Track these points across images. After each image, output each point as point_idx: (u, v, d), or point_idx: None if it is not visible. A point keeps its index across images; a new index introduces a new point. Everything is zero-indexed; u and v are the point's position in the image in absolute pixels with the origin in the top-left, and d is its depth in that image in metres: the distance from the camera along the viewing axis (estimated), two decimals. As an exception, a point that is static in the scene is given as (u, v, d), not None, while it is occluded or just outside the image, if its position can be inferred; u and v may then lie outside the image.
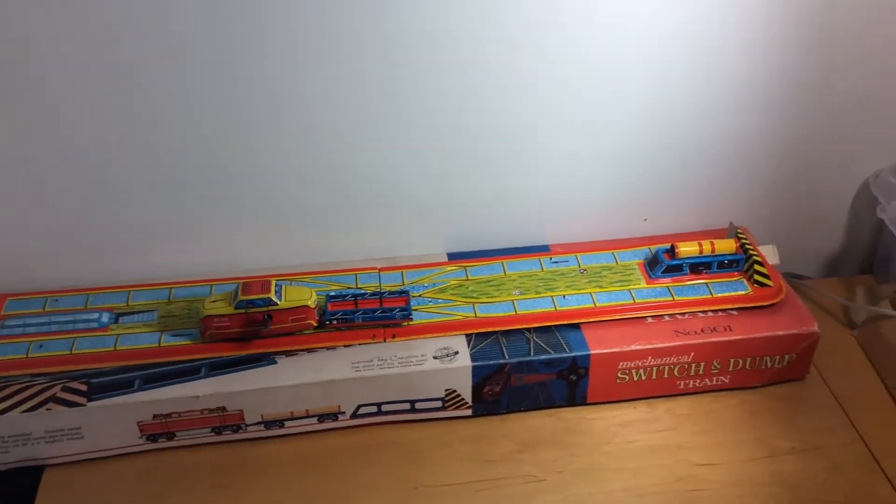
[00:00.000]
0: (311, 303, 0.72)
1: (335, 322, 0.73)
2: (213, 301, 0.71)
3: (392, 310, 0.74)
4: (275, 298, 0.70)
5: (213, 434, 0.71)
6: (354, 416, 0.72)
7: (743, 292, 0.77)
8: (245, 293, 0.70)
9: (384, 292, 0.76)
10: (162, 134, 0.74)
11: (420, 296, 0.77)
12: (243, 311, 0.71)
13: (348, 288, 0.77)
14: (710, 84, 0.79)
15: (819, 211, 0.90)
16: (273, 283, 0.72)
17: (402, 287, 0.78)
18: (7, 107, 0.70)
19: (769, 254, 0.81)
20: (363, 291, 0.76)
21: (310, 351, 0.72)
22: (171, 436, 0.70)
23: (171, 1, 0.66)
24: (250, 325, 0.71)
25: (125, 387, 0.68)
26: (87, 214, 0.77)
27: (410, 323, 0.74)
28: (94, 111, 0.71)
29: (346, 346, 0.72)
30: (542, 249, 0.84)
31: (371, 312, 0.73)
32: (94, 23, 0.67)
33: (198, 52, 0.69)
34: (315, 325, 0.73)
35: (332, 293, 0.75)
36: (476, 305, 0.76)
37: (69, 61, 0.68)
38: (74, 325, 0.73)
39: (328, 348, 0.72)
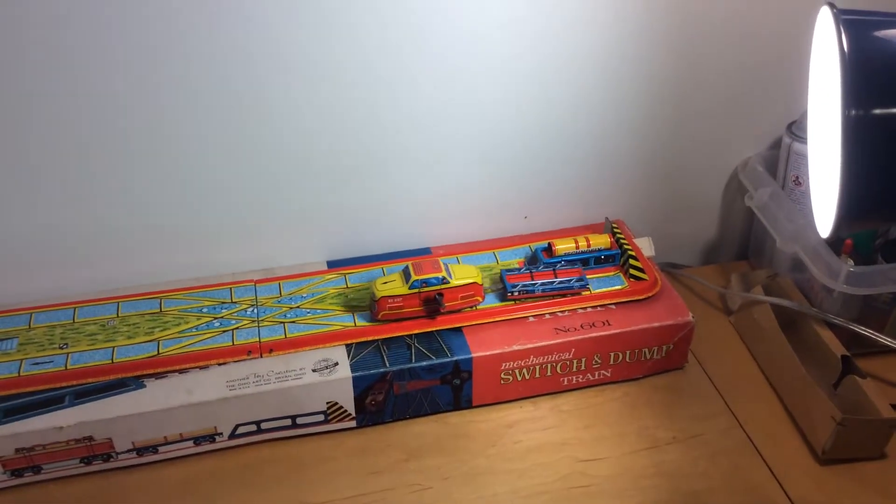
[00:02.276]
0: (480, 279, 0.73)
1: (517, 293, 0.75)
2: (385, 283, 0.73)
3: (570, 280, 0.75)
4: (448, 276, 0.72)
5: (82, 465, 0.67)
6: (233, 436, 0.70)
7: (619, 287, 0.78)
8: (418, 273, 0.72)
9: (554, 264, 0.78)
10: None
11: (298, 307, 0.75)
12: (417, 290, 0.71)
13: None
14: (581, 83, 0.80)
15: (693, 200, 0.92)
16: (441, 261, 0.74)
17: (278, 298, 0.76)
18: None
19: (645, 246, 0.82)
20: (537, 264, 0.79)
21: (181, 372, 0.69)
22: (37, 469, 0.66)
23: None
24: (424, 304, 0.72)
25: (-18, 421, 0.64)
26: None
27: (589, 291, 0.76)
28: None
29: (219, 363, 0.70)
30: (424, 252, 0.83)
31: (550, 284, 0.75)
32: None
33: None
34: (482, 300, 0.74)
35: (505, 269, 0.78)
36: (356, 314, 0.75)
37: None
38: (-75, 359, 0.69)
39: (201, 367, 0.70)
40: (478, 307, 0.75)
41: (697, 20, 0.78)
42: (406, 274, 0.73)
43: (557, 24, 0.76)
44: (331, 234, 0.84)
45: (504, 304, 0.76)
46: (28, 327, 0.73)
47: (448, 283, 0.73)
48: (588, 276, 0.78)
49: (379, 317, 0.73)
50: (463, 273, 0.74)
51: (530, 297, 0.75)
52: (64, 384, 0.67)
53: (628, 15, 0.76)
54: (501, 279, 0.76)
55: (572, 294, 0.76)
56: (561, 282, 0.75)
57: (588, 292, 0.76)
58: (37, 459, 0.66)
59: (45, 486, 0.67)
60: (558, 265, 0.78)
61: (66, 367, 0.69)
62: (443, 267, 0.73)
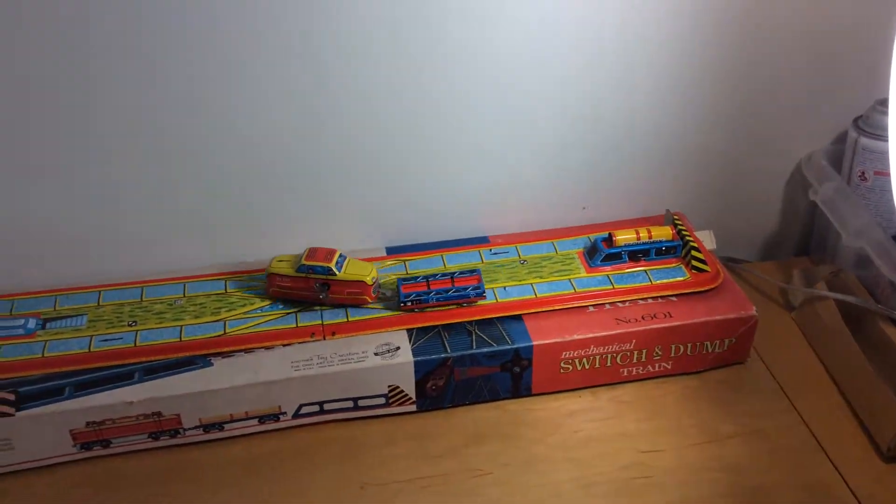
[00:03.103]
0: (369, 279, 0.73)
1: (409, 304, 0.73)
2: (280, 261, 0.74)
3: (465, 288, 0.74)
4: (335, 269, 0.71)
5: (150, 440, 0.68)
6: (296, 415, 0.71)
7: (681, 278, 0.77)
8: (308, 258, 0.72)
9: (455, 272, 0.76)
10: (66, 134, 0.72)
11: (360, 291, 0.76)
12: (304, 275, 0.71)
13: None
14: (643, 74, 0.79)
15: (754, 195, 0.91)
16: (338, 253, 0.73)
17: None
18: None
19: (706, 239, 0.82)
20: (435, 273, 0.76)
21: (247, 352, 0.70)
22: (106, 443, 0.68)
23: None
24: (309, 291, 0.73)
25: (55, 394, 0.66)
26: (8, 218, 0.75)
27: (483, 301, 0.74)
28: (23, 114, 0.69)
29: (284, 345, 0.71)
30: (482, 241, 0.83)
31: (445, 292, 0.73)
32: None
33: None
34: (371, 301, 0.74)
35: (403, 277, 0.77)
36: (417, 299, 0.75)
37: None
38: (-1, 333, 0.70)
39: (266, 348, 0.70)
40: (537, 296, 0.75)
41: (762, 13, 0.78)
42: (299, 257, 0.73)
43: (617, 16, 0.75)
44: (389, 222, 0.84)
45: (563, 292, 0.76)
46: (97, 305, 0.74)
47: (334, 275, 0.72)
48: (649, 268, 0.78)
49: (269, 292, 0.74)
50: (354, 270, 0.73)
51: (425, 306, 0.74)
52: (133, 360, 0.69)
53: (691, 7, 0.76)
54: (397, 288, 0.75)
55: (468, 303, 0.74)
56: (456, 290, 0.74)
57: (483, 301, 0.74)
58: (106, 433, 0.67)
59: (113, 459, 0.69)
60: (624, 256, 0.78)
61: (135, 343, 0.70)
62: (335, 259, 0.73)
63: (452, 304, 0.74)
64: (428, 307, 0.74)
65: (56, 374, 0.67)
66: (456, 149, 0.81)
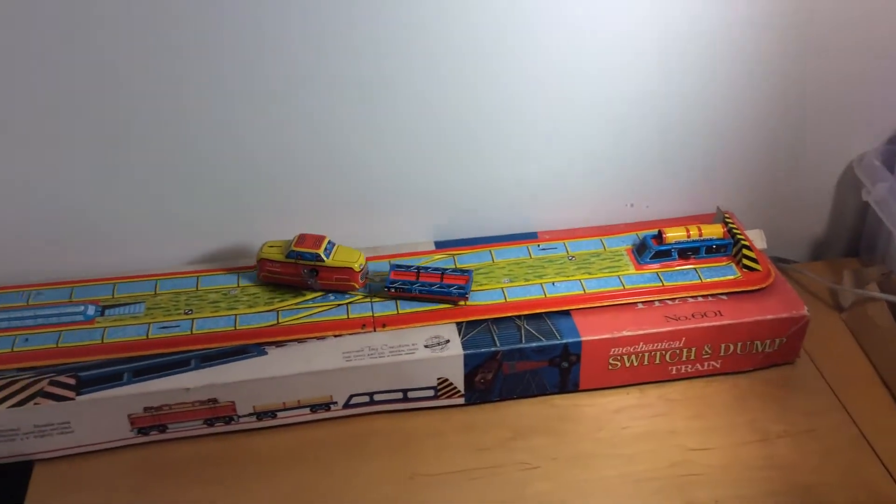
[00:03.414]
0: (357, 266, 0.74)
1: (392, 290, 0.74)
2: (271, 246, 0.75)
3: (450, 286, 0.74)
4: (323, 255, 0.73)
5: (205, 426, 0.70)
6: (347, 405, 0.72)
7: (732, 277, 0.77)
8: (298, 245, 0.73)
9: (446, 269, 0.76)
10: (149, 130, 0.73)
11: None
12: (293, 261, 0.73)
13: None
14: (695, 71, 0.79)
15: (804, 195, 0.91)
16: (326, 240, 0.74)
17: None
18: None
19: (756, 238, 0.82)
20: (427, 265, 0.77)
21: (300, 342, 0.71)
22: (162, 428, 0.69)
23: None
24: (298, 276, 0.74)
25: (114, 380, 0.67)
26: (67, 208, 0.76)
27: (466, 303, 0.75)
28: (79, 107, 0.70)
29: (335, 335, 0.72)
30: (530, 236, 0.84)
31: (429, 286, 0.74)
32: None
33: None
34: (358, 287, 0.75)
35: (397, 263, 0.77)
36: (466, 293, 0.76)
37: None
38: (59, 319, 0.72)
39: (318, 338, 0.71)
40: (586, 292, 0.75)
41: (817, 13, 0.77)
42: (289, 243, 0.74)
43: (668, 13, 0.75)
44: (437, 216, 0.85)
45: (612, 288, 0.76)
46: (154, 293, 0.76)
47: (323, 261, 0.73)
48: (699, 266, 0.78)
49: (260, 277, 0.76)
50: (343, 257, 0.74)
51: (407, 296, 0.75)
52: (190, 348, 0.70)
53: (747, 7, 0.76)
54: (387, 273, 0.76)
55: (448, 300, 0.75)
56: (441, 286, 0.74)
57: (464, 302, 0.75)
58: (163, 419, 0.68)
59: (169, 444, 0.70)
60: (674, 254, 0.78)
61: (191, 331, 0.71)
62: (324, 245, 0.74)
63: (434, 300, 0.75)
64: (409, 297, 0.75)
65: (115, 359, 0.69)
66: (505, 145, 0.81)
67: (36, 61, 0.68)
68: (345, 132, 0.77)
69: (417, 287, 0.74)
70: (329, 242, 0.74)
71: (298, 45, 0.71)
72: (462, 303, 0.74)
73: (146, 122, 0.73)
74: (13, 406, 0.65)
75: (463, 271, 0.76)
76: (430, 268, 0.76)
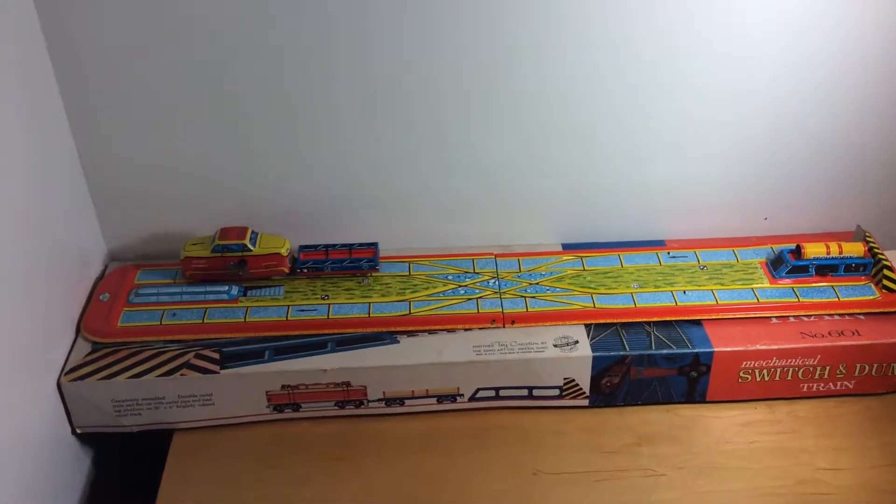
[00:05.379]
0: (284, 251, 0.76)
1: (305, 270, 0.77)
2: (193, 244, 0.76)
3: (360, 260, 0.77)
4: (249, 245, 0.74)
5: (336, 408, 0.72)
6: (472, 398, 0.73)
7: (871, 297, 0.75)
8: (222, 238, 0.75)
9: (353, 244, 0.78)
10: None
11: (537, 283, 0.77)
12: (220, 254, 0.74)
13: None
14: (839, 83, 0.77)
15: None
16: (249, 230, 0.76)
17: (517, 273, 0.79)
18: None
19: (896, 259, 0.79)
20: (335, 244, 0.79)
21: (430, 332, 0.73)
22: (296, 407, 0.72)
23: None
24: (227, 269, 0.75)
25: (256, 357, 0.70)
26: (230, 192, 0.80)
27: (376, 273, 0.78)
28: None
29: (465, 329, 0.73)
30: (658, 244, 0.83)
31: (340, 262, 0.77)
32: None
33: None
34: (287, 272, 0.77)
35: (303, 245, 0.79)
36: (594, 296, 0.76)
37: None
38: (205, 297, 0.75)
39: (448, 331, 0.73)
40: (718, 302, 0.75)
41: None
42: (213, 238, 0.75)
43: (818, 27, 0.74)
44: (565, 219, 0.85)
45: (745, 301, 0.75)
46: (293, 278, 0.78)
47: (250, 251, 0.74)
48: (836, 284, 0.76)
49: (186, 275, 0.76)
50: (268, 244, 0.75)
51: (321, 274, 0.77)
52: (327, 331, 0.72)
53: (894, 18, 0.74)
54: (296, 255, 0.77)
55: (361, 273, 0.77)
56: (352, 261, 0.76)
57: (372, 275, 0.77)
58: (298, 398, 0.71)
59: (301, 423, 0.72)
60: (811, 270, 0.77)
61: (328, 316, 0.74)
62: (248, 235, 0.74)
63: (348, 274, 0.77)
64: (323, 275, 0.77)
65: (257, 338, 0.72)
66: (636, 150, 0.81)
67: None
68: (478, 136, 0.78)
69: (329, 265, 0.76)
70: (252, 232, 0.76)
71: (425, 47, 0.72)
72: (371, 275, 0.77)
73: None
74: (161, 375, 0.69)
75: (369, 244, 0.78)
76: (336, 245, 0.78)
